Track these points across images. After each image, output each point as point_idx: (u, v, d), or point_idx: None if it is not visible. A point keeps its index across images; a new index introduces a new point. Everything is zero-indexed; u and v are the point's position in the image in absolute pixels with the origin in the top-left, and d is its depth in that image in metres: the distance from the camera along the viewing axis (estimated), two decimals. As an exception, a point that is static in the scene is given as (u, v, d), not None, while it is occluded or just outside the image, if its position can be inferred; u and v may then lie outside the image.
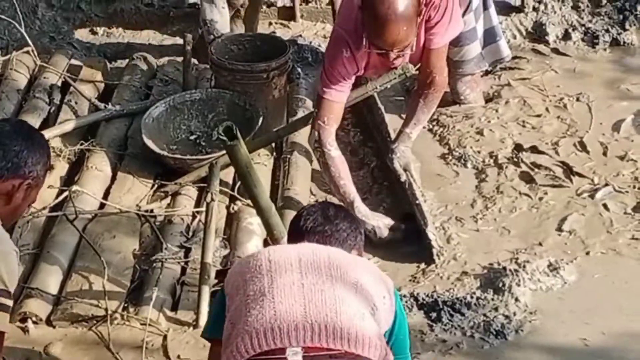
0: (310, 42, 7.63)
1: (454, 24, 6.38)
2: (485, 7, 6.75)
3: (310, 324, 3.50)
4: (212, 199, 5.46)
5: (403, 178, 6.24)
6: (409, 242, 5.89)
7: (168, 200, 6.01)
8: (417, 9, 6.03)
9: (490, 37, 6.80)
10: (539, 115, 6.78)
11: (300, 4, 7.98)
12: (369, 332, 3.60)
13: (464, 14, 6.65)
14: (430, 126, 6.74)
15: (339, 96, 6.13)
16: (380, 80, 6.16)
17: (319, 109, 6.17)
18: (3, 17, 7.31)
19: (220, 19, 6.94)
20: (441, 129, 6.71)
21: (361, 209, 5.93)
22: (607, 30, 7.53)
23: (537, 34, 7.42)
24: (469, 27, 6.75)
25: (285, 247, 3.92)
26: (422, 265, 5.70)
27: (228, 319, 3.67)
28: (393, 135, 6.47)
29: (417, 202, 5.89)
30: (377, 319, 3.74)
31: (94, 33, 7.76)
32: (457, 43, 6.76)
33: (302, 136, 6.41)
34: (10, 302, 3.85)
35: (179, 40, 7.40)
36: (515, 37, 7.83)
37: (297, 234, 4.05)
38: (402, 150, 6.42)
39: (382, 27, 6.00)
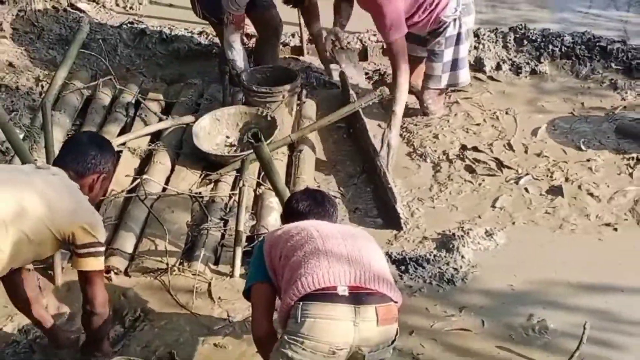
0: (314, 72, 7.61)
1: (393, 17, 6.38)
2: (457, 43, 6.68)
3: (354, 271, 3.67)
4: (244, 185, 5.52)
5: (384, 159, 6.25)
6: (383, 216, 5.88)
7: (211, 185, 6.00)
8: None
9: (454, 65, 6.73)
10: (478, 124, 6.77)
11: (307, 44, 7.97)
12: (390, 277, 3.84)
13: (437, 36, 6.62)
14: (401, 132, 6.72)
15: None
16: (363, 100, 6.19)
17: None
18: (93, 53, 7.28)
19: (238, 58, 6.90)
20: (408, 134, 6.69)
21: None
22: (527, 63, 7.46)
23: (477, 65, 7.39)
24: (438, 49, 6.67)
25: (324, 224, 3.93)
26: (394, 232, 5.70)
27: (287, 268, 3.76)
28: (372, 138, 6.41)
29: (389, 186, 5.90)
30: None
31: (158, 65, 7.72)
32: (429, 59, 6.77)
33: (308, 142, 6.42)
34: (102, 249, 4.08)
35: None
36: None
37: (295, 216, 4.13)
38: (389, 139, 6.32)
39: None
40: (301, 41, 7.83)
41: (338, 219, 4.32)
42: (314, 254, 3.71)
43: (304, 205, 4.18)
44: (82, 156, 4.22)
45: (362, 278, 3.65)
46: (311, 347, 3.55)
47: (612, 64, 7.37)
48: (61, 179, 4.07)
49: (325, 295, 3.58)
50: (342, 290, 3.59)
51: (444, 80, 6.81)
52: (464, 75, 6.87)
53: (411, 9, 6.51)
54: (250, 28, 7.72)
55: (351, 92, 6.91)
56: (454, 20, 6.58)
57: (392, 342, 3.73)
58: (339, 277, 3.62)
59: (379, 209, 5.97)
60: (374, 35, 7.91)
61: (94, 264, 4.01)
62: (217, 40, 7.71)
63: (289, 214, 4.21)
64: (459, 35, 6.64)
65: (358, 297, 3.61)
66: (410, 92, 6.88)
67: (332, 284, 3.60)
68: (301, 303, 3.58)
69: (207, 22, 7.48)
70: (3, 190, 3.88)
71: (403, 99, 6.56)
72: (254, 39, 7.91)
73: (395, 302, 3.73)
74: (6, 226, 3.78)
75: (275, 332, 3.85)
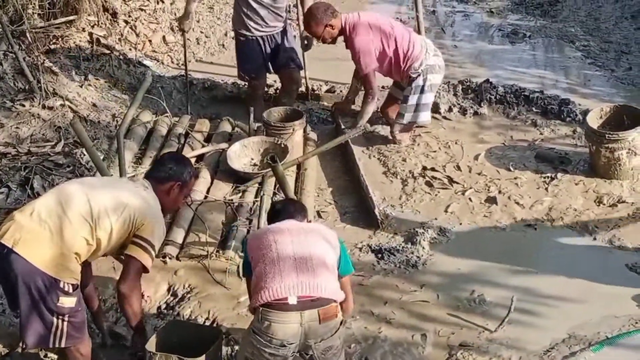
0: (315, 112, 7.62)
1: (366, 60, 6.55)
2: (422, 92, 6.59)
3: (301, 283, 3.70)
4: (264, 194, 5.53)
5: (361, 165, 6.34)
6: (365, 218, 5.88)
7: (240, 194, 5.98)
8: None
9: (417, 108, 6.66)
10: (435, 151, 6.72)
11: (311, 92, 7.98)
12: (332, 282, 3.81)
13: (409, 84, 6.65)
14: (378, 156, 6.71)
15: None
16: (352, 132, 6.19)
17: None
18: (154, 97, 7.28)
19: (256, 106, 6.94)
20: (383, 158, 6.66)
21: None
22: (471, 107, 7.40)
23: (434, 108, 7.32)
24: (407, 94, 6.67)
25: (284, 232, 3.90)
26: (373, 229, 5.70)
27: (255, 274, 3.82)
28: (357, 160, 6.42)
29: (370, 196, 5.89)
30: (335, 252, 3.94)
31: (202, 106, 7.73)
32: (401, 101, 6.78)
33: (311, 163, 6.42)
34: (152, 251, 4.02)
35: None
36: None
37: (275, 213, 4.19)
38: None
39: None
40: (306, 89, 7.84)
41: (307, 218, 4.30)
42: (271, 269, 3.73)
43: (279, 205, 4.27)
44: (162, 167, 4.23)
45: (307, 288, 3.69)
46: (267, 341, 3.63)
47: (533, 108, 7.36)
48: (145, 188, 4.08)
49: (279, 304, 3.64)
50: (292, 300, 3.65)
51: (407, 119, 6.74)
52: (424, 116, 6.75)
53: (390, 65, 6.65)
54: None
55: (342, 127, 6.94)
56: (420, 75, 6.60)
57: (336, 331, 3.76)
58: (289, 289, 3.67)
59: (361, 212, 5.92)
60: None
61: (141, 254, 3.93)
62: (244, 88, 7.73)
63: (273, 212, 4.24)
64: (423, 87, 6.63)
65: (304, 303, 3.66)
66: (387, 123, 6.93)
67: (284, 296, 3.65)
68: (261, 309, 3.66)
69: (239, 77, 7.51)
70: (102, 191, 3.91)
71: (366, 115, 6.81)
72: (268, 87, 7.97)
73: (335, 301, 3.76)
74: (100, 221, 3.79)
75: None
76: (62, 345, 3.80)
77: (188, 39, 7.49)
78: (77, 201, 3.79)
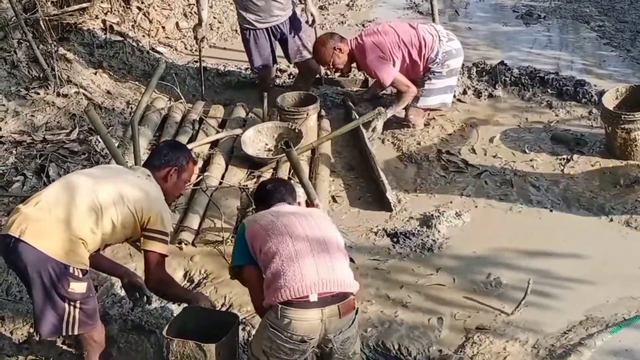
0: (330, 96, 7.61)
1: (383, 74, 6.58)
2: (441, 77, 6.61)
3: (321, 280, 3.63)
4: (278, 179, 5.48)
5: (371, 149, 6.29)
6: (378, 201, 5.85)
7: (255, 179, 5.99)
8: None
9: (434, 92, 6.65)
10: (450, 134, 6.72)
11: (324, 76, 7.96)
12: (348, 271, 3.79)
13: (429, 78, 6.66)
14: (392, 140, 6.70)
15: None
16: (365, 116, 6.19)
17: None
18: (168, 84, 7.29)
19: (270, 93, 6.91)
20: (398, 142, 6.65)
21: None
22: (486, 89, 7.42)
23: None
24: (425, 79, 6.68)
25: (290, 216, 3.85)
26: (389, 213, 5.68)
27: (270, 269, 3.69)
28: (370, 147, 6.37)
29: (381, 179, 5.88)
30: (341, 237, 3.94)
31: (216, 92, 7.74)
32: (419, 85, 6.74)
33: (325, 147, 6.40)
34: (167, 238, 4.03)
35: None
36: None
37: (264, 194, 4.16)
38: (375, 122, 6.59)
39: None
40: (320, 75, 7.81)
41: (296, 201, 4.24)
42: (289, 264, 3.65)
43: (270, 186, 4.20)
44: (158, 154, 4.23)
45: (328, 285, 3.64)
46: (288, 337, 3.60)
47: (548, 90, 7.33)
48: (147, 177, 4.08)
49: (300, 302, 3.58)
50: (314, 298, 3.59)
51: (421, 103, 6.74)
52: (442, 99, 6.76)
53: (410, 68, 6.66)
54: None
55: (353, 112, 6.94)
56: (439, 63, 6.58)
57: (353, 322, 3.75)
58: (311, 288, 3.61)
59: (375, 197, 5.88)
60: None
61: (157, 246, 3.95)
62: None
63: (263, 192, 4.17)
64: (441, 72, 6.63)
65: (325, 300, 3.61)
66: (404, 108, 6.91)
67: (305, 294, 3.60)
68: (280, 306, 3.59)
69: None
70: (106, 182, 3.90)
71: (399, 108, 6.78)
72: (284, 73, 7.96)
73: (353, 294, 3.73)
74: (104, 212, 3.79)
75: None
76: (75, 332, 3.83)
77: (202, 42, 7.48)
78: (82, 192, 3.80)
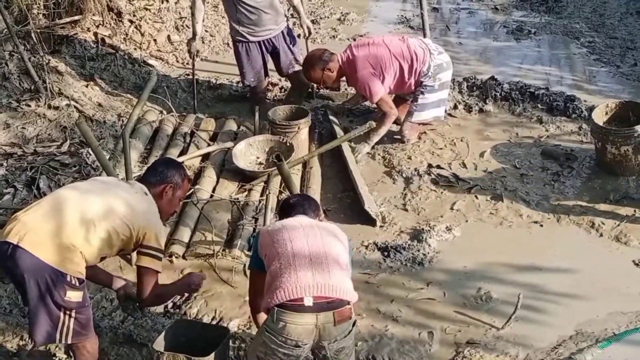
0: (320, 110, 7.61)
1: (372, 90, 6.55)
2: (433, 91, 6.62)
3: (317, 283, 3.66)
4: (269, 192, 5.53)
5: (352, 163, 6.36)
6: (367, 217, 5.83)
7: (246, 193, 5.99)
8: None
9: (427, 106, 6.65)
10: (441, 149, 6.73)
11: (316, 91, 7.97)
12: (347, 282, 3.80)
13: (421, 93, 6.67)
14: (383, 154, 6.72)
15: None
16: (356, 131, 6.19)
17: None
18: (159, 97, 7.30)
19: (261, 106, 6.93)
20: (389, 156, 6.67)
21: None
22: (476, 104, 7.46)
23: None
24: (417, 94, 6.69)
25: (299, 229, 3.87)
26: (379, 226, 5.70)
27: (269, 273, 3.77)
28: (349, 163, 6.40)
29: (358, 192, 5.91)
30: (346, 251, 3.94)
31: (207, 105, 7.75)
32: (411, 101, 6.80)
33: (316, 161, 6.42)
34: (161, 255, 4.03)
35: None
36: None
37: (287, 207, 4.18)
38: (360, 147, 6.67)
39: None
40: (311, 89, 7.83)
41: (320, 216, 4.27)
42: (287, 267, 3.70)
43: (294, 200, 4.25)
44: (154, 171, 4.24)
45: (323, 289, 3.66)
46: (282, 341, 3.62)
47: (538, 105, 7.36)
48: (141, 190, 4.09)
49: (295, 305, 3.61)
50: (308, 301, 3.62)
51: (415, 117, 6.76)
52: (435, 112, 6.77)
53: (401, 82, 6.67)
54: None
55: (337, 129, 6.91)
56: (430, 77, 6.60)
57: (349, 333, 3.75)
58: (305, 290, 3.64)
59: (365, 211, 5.82)
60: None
61: (151, 262, 3.96)
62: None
63: (286, 205, 4.22)
64: (433, 86, 6.66)
65: (320, 305, 3.63)
66: (396, 122, 6.91)
67: (299, 296, 3.62)
68: (276, 309, 3.62)
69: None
70: (96, 196, 3.91)
71: (381, 133, 6.72)
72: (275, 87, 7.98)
73: (349, 303, 3.74)
74: (95, 224, 3.80)
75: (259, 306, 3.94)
76: (69, 341, 3.84)
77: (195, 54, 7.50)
78: (70, 207, 3.80)
